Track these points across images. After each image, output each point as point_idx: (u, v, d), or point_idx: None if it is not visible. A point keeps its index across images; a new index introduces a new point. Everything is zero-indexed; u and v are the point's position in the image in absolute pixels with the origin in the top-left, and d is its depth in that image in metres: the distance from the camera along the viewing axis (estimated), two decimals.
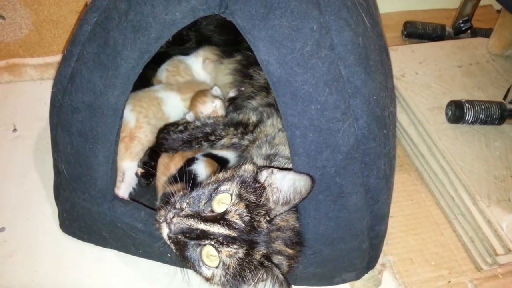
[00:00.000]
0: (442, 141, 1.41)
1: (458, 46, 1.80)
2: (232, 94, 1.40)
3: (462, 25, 1.92)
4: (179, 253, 0.85)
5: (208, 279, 0.86)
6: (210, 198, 0.85)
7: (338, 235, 0.99)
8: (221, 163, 1.25)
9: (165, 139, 1.17)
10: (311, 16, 0.83)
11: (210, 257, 0.83)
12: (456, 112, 1.43)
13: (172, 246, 0.86)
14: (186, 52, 1.53)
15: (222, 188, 0.85)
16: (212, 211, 0.84)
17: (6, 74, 1.60)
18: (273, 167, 0.90)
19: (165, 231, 0.84)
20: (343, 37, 0.85)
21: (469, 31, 1.95)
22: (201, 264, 0.84)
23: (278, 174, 0.88)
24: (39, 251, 1.16)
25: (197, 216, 0.82)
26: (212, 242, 0.81)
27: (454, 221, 1.32)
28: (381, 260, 1.20)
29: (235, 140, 1.12)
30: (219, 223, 0.81)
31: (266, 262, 0.84)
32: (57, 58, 1.61)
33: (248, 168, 0.90)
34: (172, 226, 0.81)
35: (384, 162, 0.97)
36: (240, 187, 0.85)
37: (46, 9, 1.51)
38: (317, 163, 0.89)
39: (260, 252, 0.84)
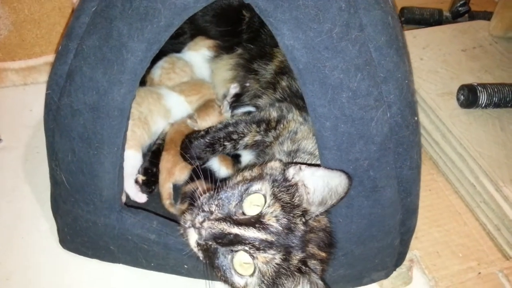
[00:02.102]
0: (457, 127, 1.36)
1: (459, 30, 1.76)
2: (233, 90, 1.31)
3: (460, 8, 1.88)
4: (208, 262, 0.76)
5: None
6: (241, 199, 0.77)
7: (371, 233, 0.91)
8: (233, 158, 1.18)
9: (188, 147, 1.09)
10: None
11: (244, 265, 0.75)
12: (469, 96, 1.37)
13: (200, 254, 0.77)
14: (178, 48, 1.43)
15: (254, 188, 0.77)
16: (243, 213, 0.76)
17: None
18: (301, 163, 0.82)
19: (193, 237, 0.76)
20: (372, 16, 0.78)
21: (466, 15, 1.91)
22: (233, 272, 0.76)
23: (307, 171, 0.80)
24: (38, 271, 1.06)
25: (229, 219, 0.74)
26: (247, 248, 0.73)
27: (477, 210, 1.27)
28: (408, 255, 1.13)
29: (258, 137, 1.05)
30: (255, 227, 0.73)
31: (304, 268, 0.76)
32: (41, 60, 1.50)
33: (275, 165, 0.82)
34: (202, 231, 0.73)
35: (416, 151, 0.90)
36: (273, 187, 0.78)
37: (26, 7, 1.39)
38: (349, 156, 0.82)
39: (297, 257, 0.76)
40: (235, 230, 0.73)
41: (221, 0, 1.29)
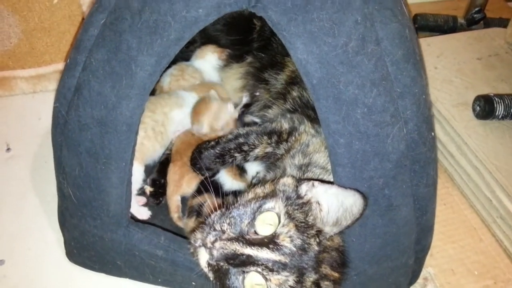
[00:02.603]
0: (472, 139, 1.32)
1: (474, 37, 1.72)
2: (245, 99, 1.29)
3: (475, 15, 1.84)
4: (219, 283, 0.74)
5: None
6: (253, 218, 0.74)
7: (385, 253, 0.88)
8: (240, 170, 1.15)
9: (197, 158, 1.07)
10: (355, 7, 0.73)
11: (255, 286, 0.72)
12: (486, 107, 1.33)
13: (210, 274, 0.74)
14: (188, 56, 1.42)
15: (267, 206, 0.74)
16: (255, 232, 0.73)
17: None
18: (314, 179, 0.79)
19: (204, 257, 0.73)
20: (389, 29, 0.75)
21: (482, 22, 1.87)
22: None
23: (320, 187, 0.78)
24: (44, 284, 1.05)
25: (242, 239, 0.71)
26: (260, 269, 0.70)
27: (493, 225, 1.23)
28: (422, 273, 1.10)
29: (269, 149, 1.02)
30: (268, 247, 0.71)
31: None
32: (50, 68, 1.49)
33: (287, 181, 0.79)
34: (214, 252, 0.70)
35: (433, 167, 0.87)
36: (286, 205, 0.75)
37: (36, 15, 1.38)
38: (364, 174, 0.79)
39: (311, 279, 0.74)
40: (248, 250, 0.70)
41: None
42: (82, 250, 0.99)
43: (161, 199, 1.17)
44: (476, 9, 1.83)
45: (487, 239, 1.21)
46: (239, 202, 0.78)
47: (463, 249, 1.19)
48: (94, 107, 0.79)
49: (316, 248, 0.74)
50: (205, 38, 1.38)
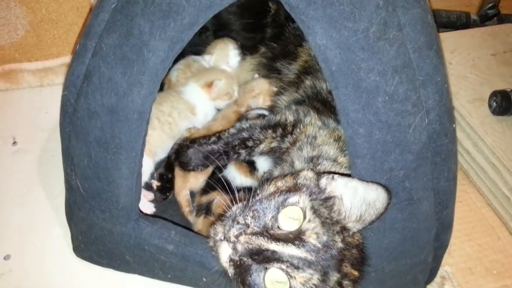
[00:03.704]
0: (489, 135, 1.28)
1: (489, 33, 1.68)
2: None
3: (489, 11, 1.80)
4: (239, 279, 0.70)
5: None
6: (277, 212, 0.70)
7: (404, 249, 0.85)
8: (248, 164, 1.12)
9: (186, 154, 1.02)
10: None
11: (276, 283, 0.68)
12: (503, 103, 1.30)
13: (230, 270, 0.70)
14: (198, 50, 1.39)
15: (291, 200, 0.71)
16: (279, 227, 0.70)
17: (2, 81, 1.44)
18: (334, 172, 0.76)
19: (226, 251, 0.69)
20: (411, 14, 0.72)
21: (495, 18, 1.83)
22: None
23: (340, 180, 0.74)
24: (50, 280, 1.02)
25: (267, 234, 0.68)
26: (284, 266, 0.67)
27: (511, 223, 1.19)
28: (439, 272, 1.06)
29: (274, 144, 0.98)
30: (294, 244, 0.67)
31: None
32: (58, 61, 1.47)
33: (308, 175, 0.76)
34: (238, 246, 0.67)
35: (454, 161, 0.84)
36: (311, 200, 0.71)
37: (44, 7, 1.36)
38: (384, 165, 0.76)
39: (335, 278, 0.70)
40: (273, 246, 0.67)
41: None
42: (90, 244, 0.96)
43: (168, 194, 1.14)
44: (490, 5, 1.80)
45: (506, 238, 1.18)
46: (260, 195, 0.74)
47: (481, 247, 1.15)
48: (104, 94, 0.76)
49: (341, 245, 0.71)
50: (217, 25, 1.35)
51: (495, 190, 1.24)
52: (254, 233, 0.68)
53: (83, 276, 1.02)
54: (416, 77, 0.73)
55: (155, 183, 1.14)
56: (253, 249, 0.67)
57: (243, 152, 0.99)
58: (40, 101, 1.44)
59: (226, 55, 1.32)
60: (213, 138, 1.01)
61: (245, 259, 0.68)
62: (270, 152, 0.99)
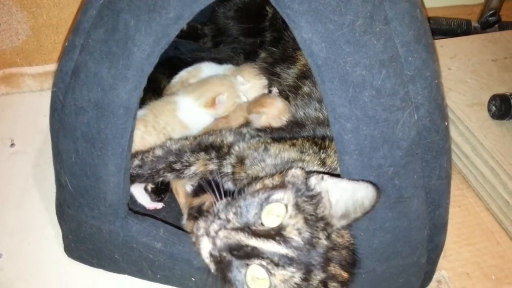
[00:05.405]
0: (488, 139, 1.27)
1: (489, 39, 1.67)
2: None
3: (490, 18, 1.79)
4: (221, 275, 0.69)
5: None
6: (260, 208, 0.69)
7: (395, 249, 0.83)
8: None
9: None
10: None
11: (256, 280, 0.67)
12: (502, 107, 1.28)
13: (211, 265, 0.70)
14: (200, 52, 1.38)
15: (275, 196, 0.70)
16: (262, 224, 0.69)
17: (3, 85, 1.46)
18: (324, 172, 0.75)
19: (206, 246, 0.68)
20: (399, 8, 0.72)
21: (496, 25, 1.82)
22: None
23: (329, 181, 0.73)
24: (42, 280, 1.01)
25: (248, 229, 0.67)
26: (264, 263, 0.66)
27: (511, 228, 1.17)
28: (435, 276, 1.04)
29: (212, 166, 0.95)
30: (275, 240, 0.66)
31: None
32: None
33: (296, 173, 0.75)
34: (217, 241, 0.66)
35: (446, 159, 0.82)
36: (296, 196, 0.70)
37: (45, 12, 1.38)
38: (372, 162, 0.75)
39: (318, 278, 0.68)
40: (253, 242, 0.66)
41: None
42: (80, 243, 0.95)
43: (163, 195, 1.13)
44: (491, 12, 1.79)
45: (505, 243, 1.15)
46: (246, 193, 0.74)
47: (479, 252, 1.13)
48: (91, 89, 0.76)
49: (325, 243, 0.69)
50: (216, 31, 1.35)
51: (494, 194, 1.21)
52: (235, 229, 0.67)
53: (74, 276, 1.01)
54: (404, 72, 0.72)
55: (149, 185, 1.14)
56: (232, 244, 0.66)
57: (169, 175, 0.97)
58: (39, 104, 1.44)
59: (257, 91, 1.29)
60: (137, 162, 0.97)
61: (224, 254, 0.67)
62: (208, 175, 0.96)
